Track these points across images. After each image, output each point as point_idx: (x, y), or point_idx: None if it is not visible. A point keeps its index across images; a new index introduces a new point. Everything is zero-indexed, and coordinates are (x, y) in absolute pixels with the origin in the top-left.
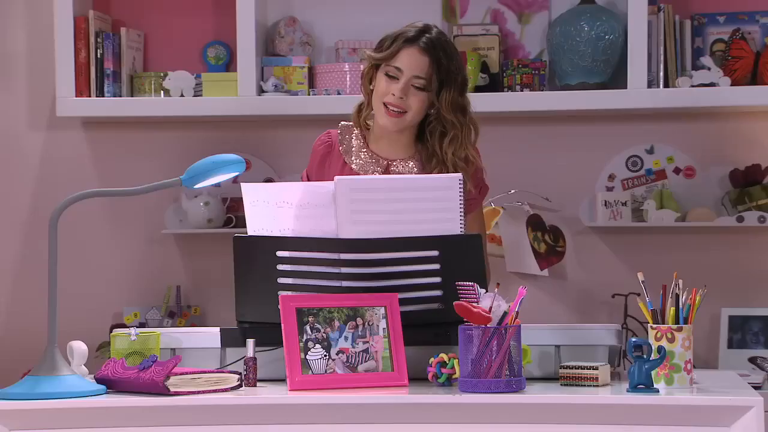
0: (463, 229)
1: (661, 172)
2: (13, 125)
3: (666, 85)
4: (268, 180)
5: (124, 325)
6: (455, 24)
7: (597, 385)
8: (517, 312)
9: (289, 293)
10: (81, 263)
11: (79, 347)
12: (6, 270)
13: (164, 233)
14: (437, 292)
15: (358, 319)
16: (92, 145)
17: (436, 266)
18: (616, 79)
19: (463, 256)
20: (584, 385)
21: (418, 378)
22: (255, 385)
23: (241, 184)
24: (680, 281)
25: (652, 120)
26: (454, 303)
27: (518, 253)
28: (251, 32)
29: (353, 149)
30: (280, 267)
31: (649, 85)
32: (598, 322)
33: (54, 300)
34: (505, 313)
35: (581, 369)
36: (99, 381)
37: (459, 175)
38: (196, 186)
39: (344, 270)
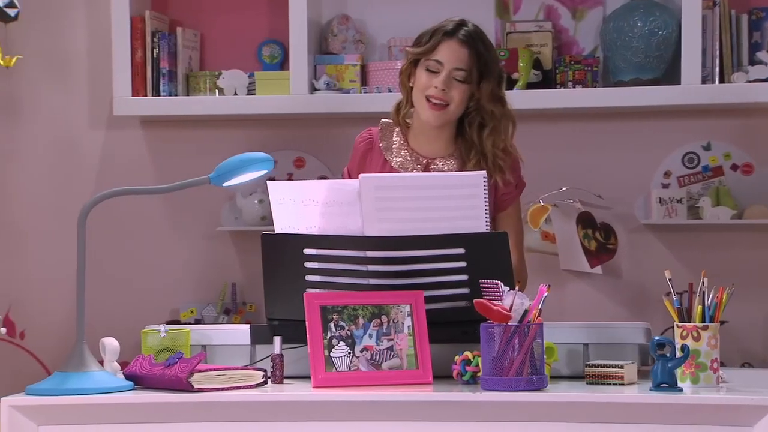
0: (488, 227)
1: (718, 169)
2: (74, 125)
3: (722, 81)
4: (322, 178)
5: (178, 322)
6: (508, 21)
7: (623, 384)
8: (540, 310)
9: (317, 291)
10: (140, 259)
11: (111, 343)
12: (67, 267)
13: (219, 230)
14: (464, 290)
15: (383, 316)
16: (150, 143)
17: (463, 264)
18: (671, 75)
19: (489, 254)
20: (610, 384)
21: (445, 376)
22: (282, 382)
23: (267, 182)
24: (705, 279)
25: (708, 116)
26: (474, 301)
27: (571, 251)
28: (303, 31)
29: (394, 147)
30: (308, 264)
31: (704, 80)
32: (653, 322)
33: (82, 297)
34: (526, 311)
35: (606, 368)
36: (127, 377)
37: (483, 172)
38: (225, 184)
39: (371, 268)
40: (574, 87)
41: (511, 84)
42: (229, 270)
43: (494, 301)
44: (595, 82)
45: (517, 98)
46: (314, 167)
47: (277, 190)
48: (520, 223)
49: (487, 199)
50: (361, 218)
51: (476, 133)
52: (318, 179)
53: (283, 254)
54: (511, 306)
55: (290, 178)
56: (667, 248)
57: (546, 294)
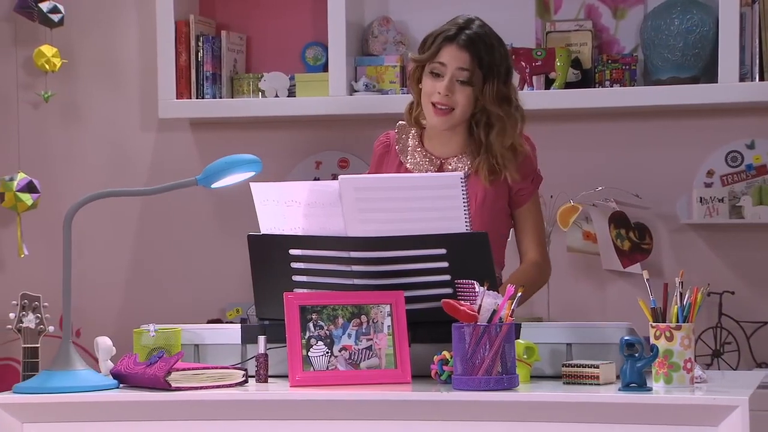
0: (469, 227)
1: (762, 168)
2: (126, 127)
3: (761, 79)
4: None
5: (219, 321)
6: (549, 20)
7: (598, 384)
8: (513, 310)
9: (304, 291)
10: (188, 259)
11: (104, 342)
12: (120, 268)
13: None
14: (447, 290)
15: (363, 316)
16: (200, 144)
17: (445, 264)
18: (710, 73)
19: (470, 254)
20: (585, 384)
21: (427, 375)
22: (266, 381)
23: (250, 183)
24: (676, 280)
25: (752, 114)
26: (442, 300)
27: (611, 251)
28: (342, 33)
29: (409, 149)
30: (294, 265)
31: (742, 78)
32: (696, 320)
33: (68, 298)
34: (494, 312)
35: (582, 367)
36: (114, 376)
37: (460, 173)
38: (213, 186)
39: (355, 268)
40: (612, 86)
41: (549, 83)
42: None
43: (462, 301)
44: (633, 81)
45: (555, 97)
46: (358, 168)
47: (260, 191)
48: (540, 218)
49: (466, 200)
50: (343, 219)
51: (483, 133)
52: None
53: (270, 255)
54: (480, 306)
55: (334, 178)
56: (710, 248)
57: (519, 294)
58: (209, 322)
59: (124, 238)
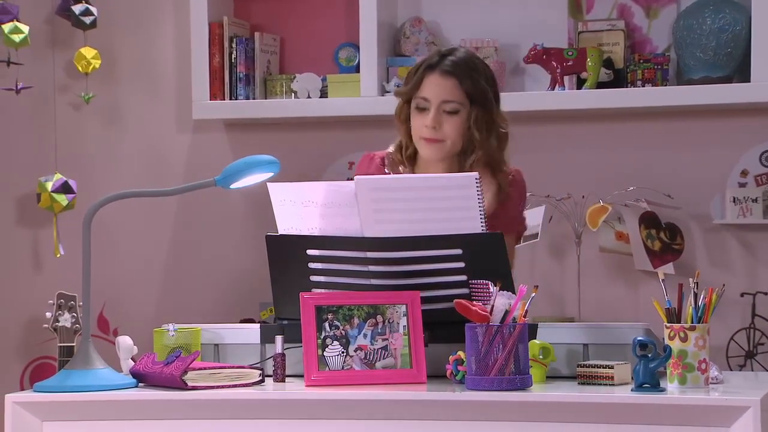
0: (484, 227)
1: None
2: (161, 128)
3: None
4: None
5: (252, 321)
6: (581, 20)
7: (613, 384)
8: (527, 311)
9: (322, 291)
10: (225, 258)
11: (125, 342)
12: (157, 266)
13: None
14: (464, 290)
15: (378, 316)
16: (234, 145)
17: (461, 264)
18: (744, 72)
19: (486, 254)
20: (600, 384)
21: (444, 375)
22: (283, 381)
23: (267, 183)
24: (690, 280)
25: None
26: (454, 301)
27: (642, 252)
28: (373, 33)
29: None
30: (312, 265)
31: None
32: (727, 322)
33: (87, 297)
34: (507, 312)
35: (597, 368)
36: (134, 375)
37: (475, 173)
38: (231, 186)
39: (372, 268)
40: (644, 86)
41: (580, 83)
42: None
43: (476, 301)
44: (665, 81)
45: (586, 97)
46: None
47: (277, 191)
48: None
49: (481, 200)
50: (359, 219)
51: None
52: None
53: (288, 255)
54: (492, 306)
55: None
56: (743, 248)
57: (533, 294)
58: (242, 321)
59: (161, 237)
